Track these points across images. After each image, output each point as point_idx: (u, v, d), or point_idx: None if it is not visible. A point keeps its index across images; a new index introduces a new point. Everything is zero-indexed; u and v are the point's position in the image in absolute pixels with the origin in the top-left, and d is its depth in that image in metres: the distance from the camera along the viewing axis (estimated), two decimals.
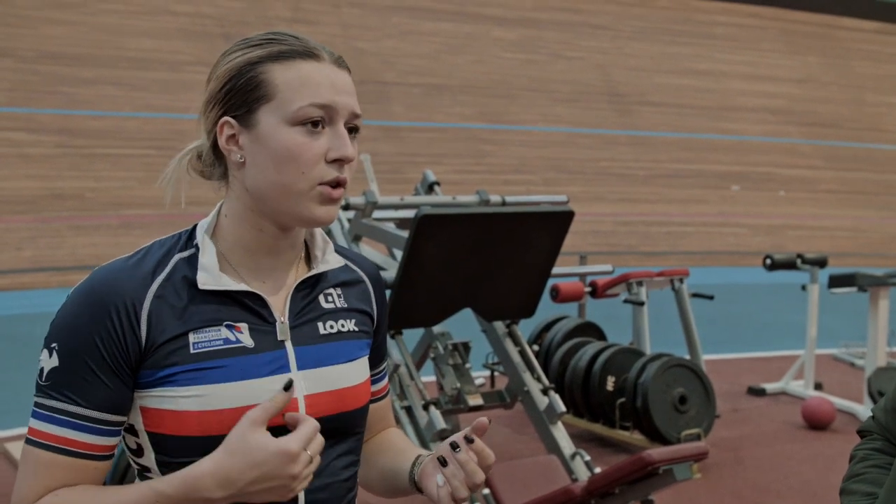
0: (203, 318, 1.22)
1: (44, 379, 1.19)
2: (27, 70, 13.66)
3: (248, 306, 1.25)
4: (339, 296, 1.34)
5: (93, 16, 14.67)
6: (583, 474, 3.85)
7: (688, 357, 5.70)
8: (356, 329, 1.34)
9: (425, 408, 3.90)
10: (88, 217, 12.05)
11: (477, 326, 4.39)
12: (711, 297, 6.18)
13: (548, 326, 6.08)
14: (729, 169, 17.17)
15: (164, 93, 14.20)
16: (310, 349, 1.28)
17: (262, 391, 1.20)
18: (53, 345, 1.19)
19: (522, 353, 4.26)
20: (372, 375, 1.40)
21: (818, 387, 6.46)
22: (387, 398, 1.50)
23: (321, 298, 1.32)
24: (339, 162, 1.22)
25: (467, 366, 4.23)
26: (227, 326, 1.23)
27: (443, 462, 1.27)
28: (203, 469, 1.14)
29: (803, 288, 6.53)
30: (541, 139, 16.46)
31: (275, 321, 1.26)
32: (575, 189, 14.28)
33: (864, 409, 5.80)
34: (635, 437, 5.18)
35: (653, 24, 19.21)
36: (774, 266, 6.29)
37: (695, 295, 5.99)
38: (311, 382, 1.26)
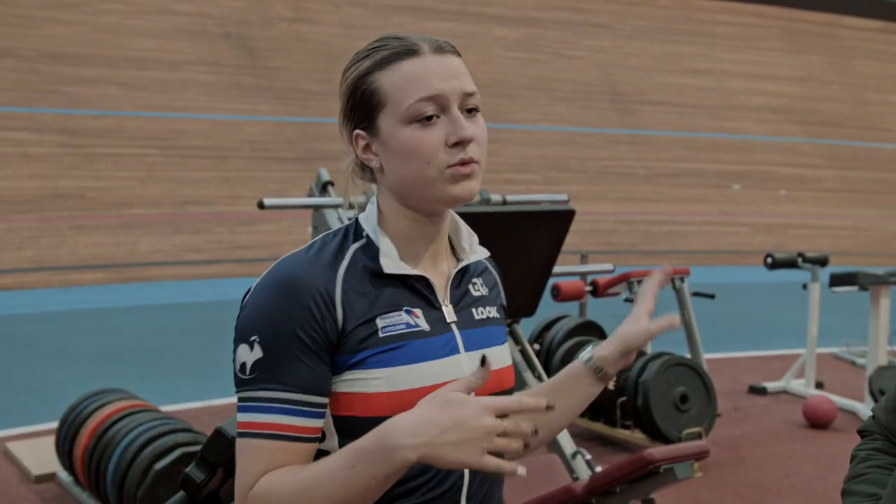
0: (386, 304, 1.30)
1: (248, 372, 1.24)
2: (28, 70, 13.67)
3: (420, 292, 1.33)
4: (481, 284, 1.44)
5: (94, 16, 14.68)
6: (584, 473, 3.84)
7: (689, 356, 5.70)
8: (497, 316, 1.44)
9: None
10: (90, 216, 12.05)
11: None
12: (712, 296, 6.18)
13: (548, 325, 6.07)
14: (730, 168, 17.17)
15: (164, 92, 14.20)
16: (471, 332, 1.37)
17: (440, 372, 1.29)
18: (253, 338, 1.24)
19: (523, 352, 4.26)
20: None
21: (819, 385, 6.46)
22: None
23: (470, 287, 1.41)
24: (460, 144, 1.28)
25: None
26: (406, 311, 1.31)
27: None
28: (399, 417, 1.17)
29: (804, 287, 6.52)
30: (542, 138, 16.46)
31: (440, 306, 1.34)
32: (576, 188, 14.27)
33: (865, 408, 5.79)
34: (636, 435, 5.17)
35: (654, 23, 19.20)
36: (775, 265, 6.29)
37: (696, 294, 5.98)
38: (477, 363, 1.34)
